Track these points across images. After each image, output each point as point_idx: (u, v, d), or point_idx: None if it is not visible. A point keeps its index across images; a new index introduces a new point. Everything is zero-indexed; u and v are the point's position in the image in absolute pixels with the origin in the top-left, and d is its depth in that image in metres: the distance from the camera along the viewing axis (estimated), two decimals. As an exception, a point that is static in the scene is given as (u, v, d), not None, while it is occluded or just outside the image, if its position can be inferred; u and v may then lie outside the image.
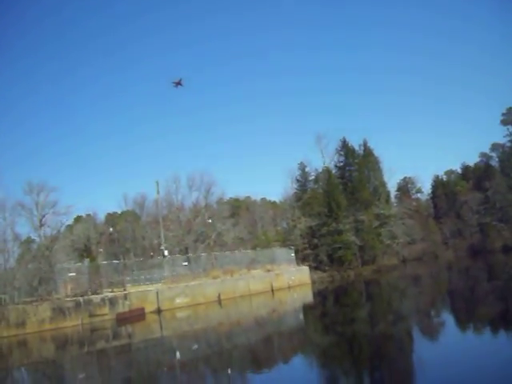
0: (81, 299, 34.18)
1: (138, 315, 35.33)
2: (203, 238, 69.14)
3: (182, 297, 39.97)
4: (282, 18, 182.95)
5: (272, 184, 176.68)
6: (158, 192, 56.20)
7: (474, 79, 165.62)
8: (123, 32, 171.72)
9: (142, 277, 43.55)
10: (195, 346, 20.90)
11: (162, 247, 50.34)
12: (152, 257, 58.54)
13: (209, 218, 70.19)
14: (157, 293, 38.22)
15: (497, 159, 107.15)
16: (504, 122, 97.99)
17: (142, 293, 38.09)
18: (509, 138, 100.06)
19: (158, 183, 54.99)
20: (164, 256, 47.54)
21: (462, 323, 19.08)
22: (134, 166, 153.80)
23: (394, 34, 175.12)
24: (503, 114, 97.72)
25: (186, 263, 48.99)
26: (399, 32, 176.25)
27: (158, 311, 37.15)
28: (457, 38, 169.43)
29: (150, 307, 37.21)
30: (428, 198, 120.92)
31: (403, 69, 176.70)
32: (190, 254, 56.20)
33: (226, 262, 50.97)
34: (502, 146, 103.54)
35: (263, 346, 19.38)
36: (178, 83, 47.21)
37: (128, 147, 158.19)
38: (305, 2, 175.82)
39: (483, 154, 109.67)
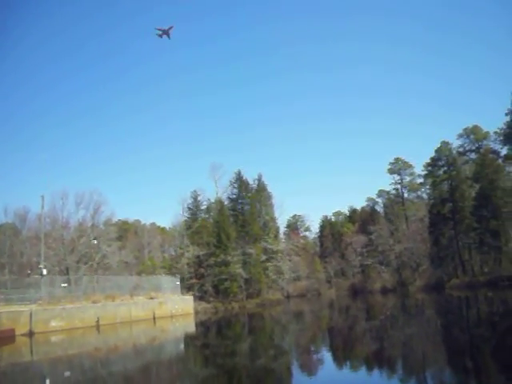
0: None
1: (6, 337, 32.88)
2: (86, 259, 66.45)
3: (58, 320, 37.92)
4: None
5: (163, 210, 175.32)
6: (43, 207, 53.52)
7: (367, 128, 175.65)
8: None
9: (16, 296, 40.83)
10: (67, 373, 19.76)
11: (41, 266, 47.60)
12: (29, 275, 55.34)
13: (94, 238, 67.60)
14: (30, 314, 35.92)
15: (382, 205, 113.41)
16: (390, 171, 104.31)
17: (14, 313, 35.66)
18: (394, 186, 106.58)
19: (43, 197, 52.31)
20: (42, 275, 44.96)
21: (338, 360, 19.57)
22: (18, 177, 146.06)
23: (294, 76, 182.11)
24: (390, 163, 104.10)
25: (66, 284, 46.74)
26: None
27: (31, 334, 34.94)
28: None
29: (21, 329, 34.86)
30: (315, 236, 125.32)
31: (299, 113, 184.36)
32: (71, 275, 53.79)
33: (109, 286, 49.30)
34: (388, 192, 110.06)
35: (140, 375, 18.70)
36: (165, 33, 41.52)
37: (14, 154, 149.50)
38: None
39: (370, 199, 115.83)
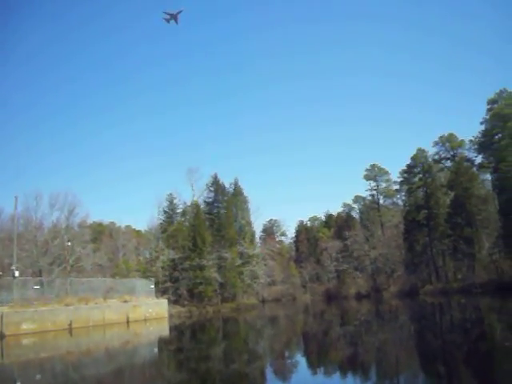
0: None
1: (-24, 339, 32.38)
2: (60, 261, 65.52)
3: (30, 322, 37.23)
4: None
5: (138, 212, 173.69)
6: (16, 207, 52.68)
7: (344, 134, 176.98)
8: None
9: (-14, 298, 40.09)
10: (38, 376, 19.43)
11: (13, 267, 46.74)
12: (1, 277, 54.39)
13: (68, 240, 66.72)
14: (1, 316, 35.24)
15: (358, 211, 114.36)
16: (366, 177, 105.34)
17: (-16, 315, 35.03)
18: (369, 193, 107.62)
19: (16, 198, 51.50)
20: (14, 277, 44.11)
21: (312, 365, 19.59)
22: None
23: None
24: (367, 170, 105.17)
25: (38, 287, 45.97)
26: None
27: (1, 336, 34.24)
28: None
29: (-9, 331, 34.27)
30: (291, 241, 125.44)
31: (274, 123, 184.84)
32: (44, 278, 52.96)
33: (82, 288, 48.65)
34: (363, 198, 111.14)
35: (112, 379, 18.48)
36: (173, 17, 38.55)
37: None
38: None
39: (346, 205, 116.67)
